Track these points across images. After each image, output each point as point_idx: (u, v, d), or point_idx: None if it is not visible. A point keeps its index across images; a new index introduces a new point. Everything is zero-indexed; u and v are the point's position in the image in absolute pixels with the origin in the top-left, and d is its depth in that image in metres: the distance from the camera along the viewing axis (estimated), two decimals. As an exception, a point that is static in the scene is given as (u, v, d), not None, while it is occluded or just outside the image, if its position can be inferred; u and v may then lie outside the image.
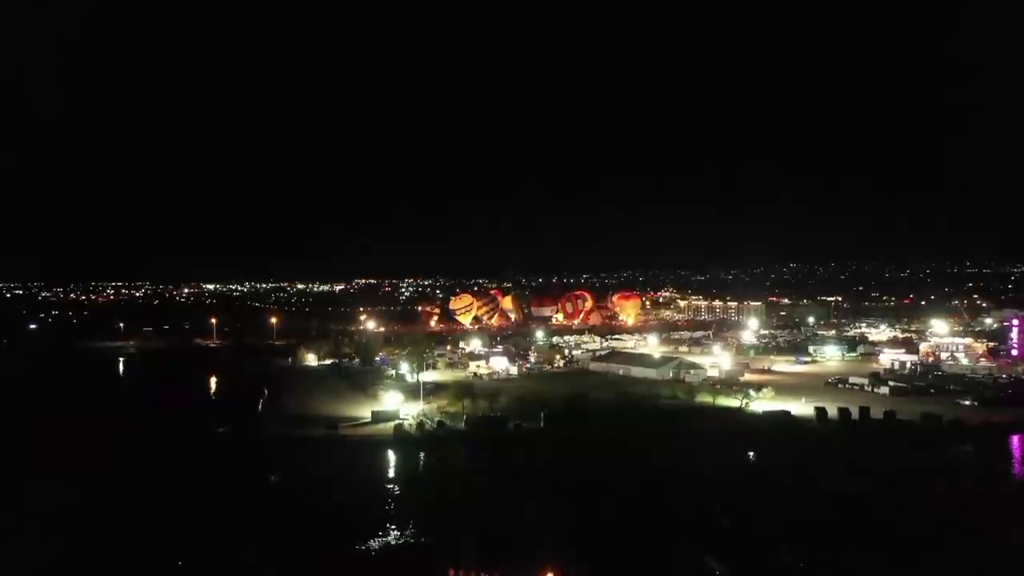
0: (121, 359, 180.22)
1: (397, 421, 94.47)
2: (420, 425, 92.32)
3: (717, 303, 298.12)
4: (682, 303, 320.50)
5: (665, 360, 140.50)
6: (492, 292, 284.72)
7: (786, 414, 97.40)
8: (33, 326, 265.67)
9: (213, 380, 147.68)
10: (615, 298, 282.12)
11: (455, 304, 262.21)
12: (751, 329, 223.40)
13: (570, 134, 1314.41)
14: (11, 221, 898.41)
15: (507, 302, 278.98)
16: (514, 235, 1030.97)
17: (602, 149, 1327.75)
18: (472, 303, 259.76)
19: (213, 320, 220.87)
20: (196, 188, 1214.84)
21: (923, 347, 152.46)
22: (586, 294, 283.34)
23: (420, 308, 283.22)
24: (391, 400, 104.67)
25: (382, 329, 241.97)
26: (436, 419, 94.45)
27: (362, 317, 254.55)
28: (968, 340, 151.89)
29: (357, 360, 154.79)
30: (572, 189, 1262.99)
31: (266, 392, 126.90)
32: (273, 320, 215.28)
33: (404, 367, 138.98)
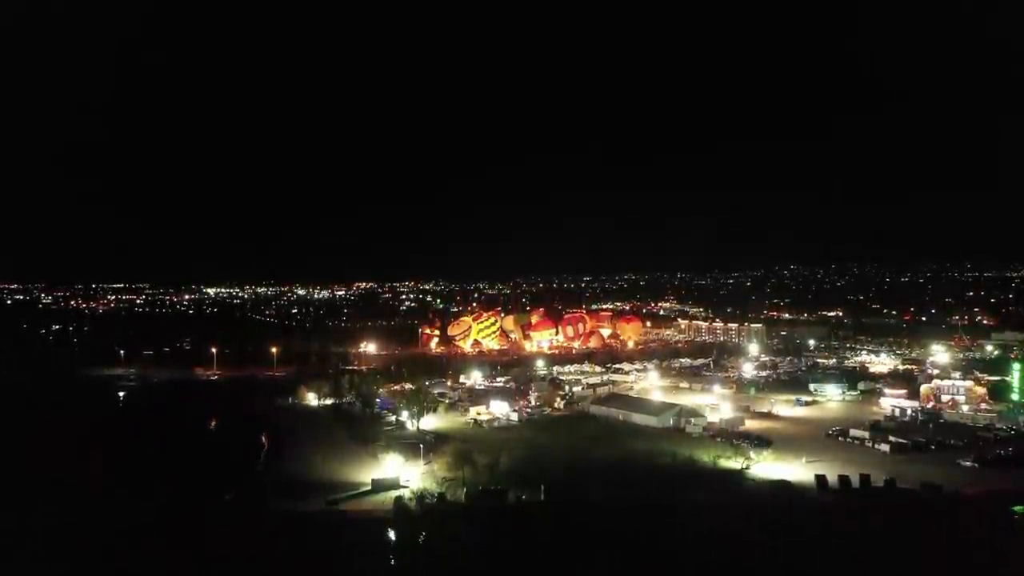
0: (121, 394, 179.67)
1: (397, 493, 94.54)
2: (420, 499, 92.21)
3: (718, 324, 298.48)
4: (683, 322, 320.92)
5: (665, 407, 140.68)
6: (491, 314, 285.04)
7: (786, 485, 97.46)
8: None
9: (214, 424, 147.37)
10: (617, 321, 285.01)
11: (453, 330, 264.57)
12: (751, 356, 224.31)
13: (573, 138, 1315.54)
14: (12, 221, 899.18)
15: (508, 322, 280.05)
16: (514, 237, 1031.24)
17: (605, 151, 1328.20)
18: (470, 327, 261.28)
19: (213, 349, 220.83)
20: (197, 187, 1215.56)
21: (923, 389, 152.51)
22: (585, 316, 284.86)
23: (420, 330, 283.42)
24: (391, 464, 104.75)
25: (383, 353, 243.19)
26: (436, 492, 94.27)
27: (362, 345, 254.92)
28: (969, 383, 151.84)
29: (358, 403, 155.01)
30: (573, 191, 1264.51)
31: (265, 443, 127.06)
32: (274, 349, 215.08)
33: (404, 413, 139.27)
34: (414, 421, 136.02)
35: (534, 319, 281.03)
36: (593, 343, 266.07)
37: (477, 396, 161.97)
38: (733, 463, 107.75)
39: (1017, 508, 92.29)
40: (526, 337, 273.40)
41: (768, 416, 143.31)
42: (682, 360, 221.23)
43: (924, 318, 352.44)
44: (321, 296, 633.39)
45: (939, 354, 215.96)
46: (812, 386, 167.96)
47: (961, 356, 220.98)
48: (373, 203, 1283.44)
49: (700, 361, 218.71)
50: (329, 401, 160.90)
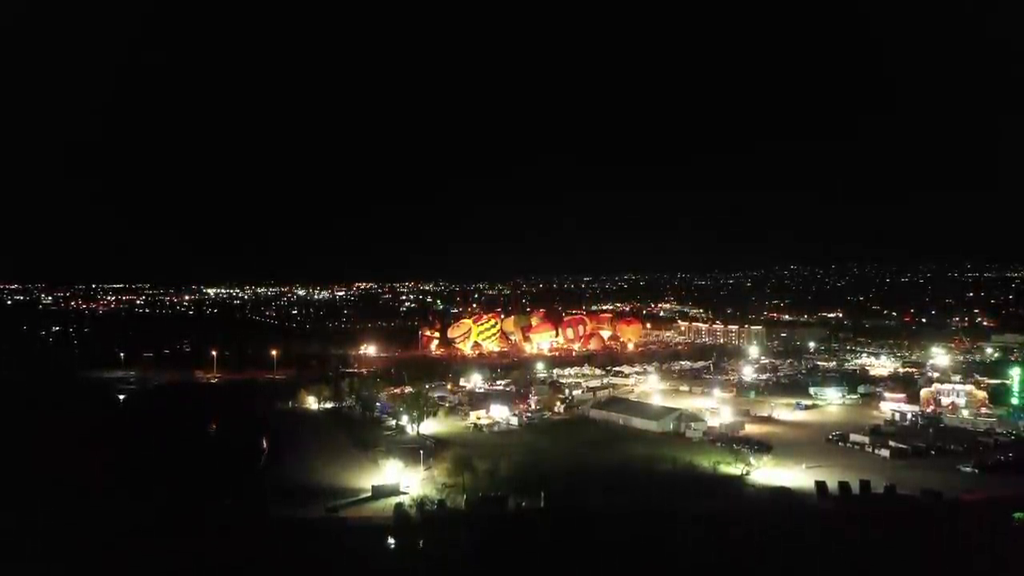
0: (121, 396, 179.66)
1: (397, 500, 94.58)
2: (420, 506, 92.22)
3: (718, 326, 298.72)
4: (683, 324, 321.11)
5: (665, 412, 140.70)
6: (491, 316, 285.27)
7: (786, 492, 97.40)
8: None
9: (214, 428, 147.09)
10: (617, 323, 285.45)
11: (453, 332, 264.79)
12: (751, 359, 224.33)
13: (574, 138, 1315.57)
14: (12, 221, 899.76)
15: (508, 324, 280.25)
16: (514, 237, 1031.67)
17: (606, 151, 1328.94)
18: (470, 329, 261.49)
19: (214, 352, 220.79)
20: (197, 188, 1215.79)
21: (923, 393, 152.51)
22: (586, 318, 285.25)
23: (420, 332, 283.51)
24: (391, 470, 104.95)
25: (383, 355, 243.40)
26: (437, 499, 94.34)
27: (362, 347, 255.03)
28: (969, 387, 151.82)
29: (358, 407, 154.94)
30: (573, 191, 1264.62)
31: (265, 448, 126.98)
32: (274, 352, 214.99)
33: (405, 417, 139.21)
34: (414, 425, 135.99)
35: (534, 321, 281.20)
36: (593, 345, 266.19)
37: (477, 400, 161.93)
38: (733, 469, 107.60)
39: (1017, 515, 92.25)
40: (526, 339, 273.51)
41: (768, 420, 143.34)
42: (682, 363, 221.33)
43: (924, 319, 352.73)
44: (321, 297, 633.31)
45: (939, 357, 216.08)
46: (812, 389, 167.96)
47: (961, 359, 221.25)
48: (373, 203, 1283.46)
49: (700, 364, 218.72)
50: (329, 405, 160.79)
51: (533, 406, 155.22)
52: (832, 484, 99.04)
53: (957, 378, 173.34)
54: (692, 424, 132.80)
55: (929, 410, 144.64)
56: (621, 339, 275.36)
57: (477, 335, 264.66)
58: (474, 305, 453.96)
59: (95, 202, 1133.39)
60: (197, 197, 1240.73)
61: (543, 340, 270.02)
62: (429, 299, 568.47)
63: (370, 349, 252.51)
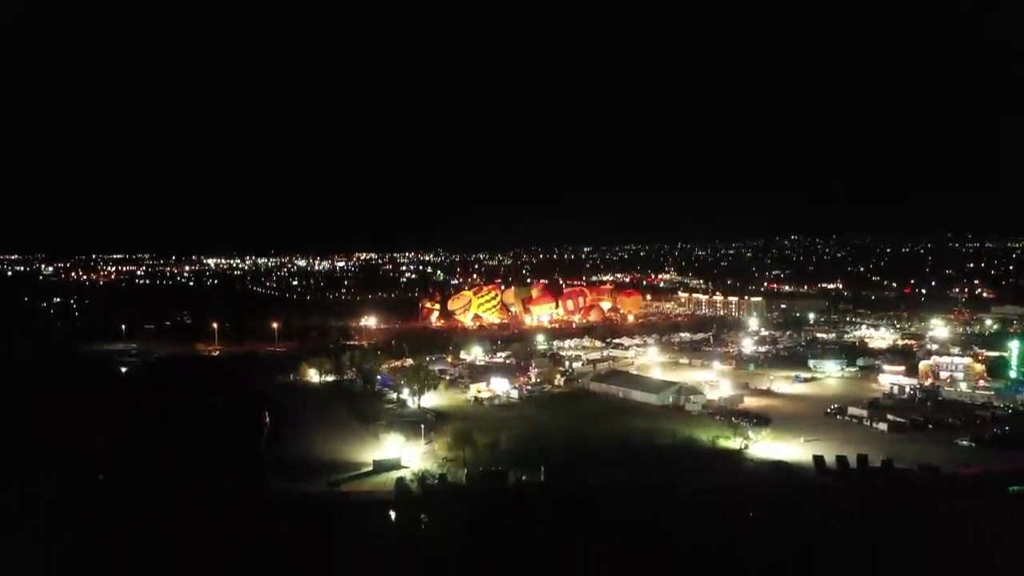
0: (123, 369, 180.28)
1: (398, 474, 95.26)
2: (422, 480, 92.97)
3: (718, 297, 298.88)
4: (683, 295, 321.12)
5: (665, 385, 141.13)
6: (491, 287, 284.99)
7: (784, 465, 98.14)
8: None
9: (215, 402, 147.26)
10: (617, 295, 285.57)
11: (453, 304, 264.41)
12: (751, 331, 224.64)
13: (575, 138, 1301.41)
14: (13, 191, 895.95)
15: (508, 296, 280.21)
16: (515, 208, 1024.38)
17: (605, 151, 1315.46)
18: (470, 301, 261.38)
19: (215, 324, 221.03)
20: (199, 158, 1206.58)
21: (922, 366, 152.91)
22: (585, 290, 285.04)
23: (421, 303, 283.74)
24: (392, 444, 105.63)
25: (383, 327, 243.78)
26: (437, 473, 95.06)
27: (362, 319, 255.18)
28: (967, 360, 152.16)
29: (359, 380, 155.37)
30: (573, 191, 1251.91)
31: (267, 422, 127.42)
32: (275, 324, 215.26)
33: (405, 391, 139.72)
34: (415, 399, 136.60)
35: (534, 293, 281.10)
36: (593, 317, 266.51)
37: (477, 373, 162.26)
38: (732, 443, 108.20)
39: (1014, 488, 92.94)
40: (526, 311, 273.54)
41: (767, 393, 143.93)
42: (682, 335, 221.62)
43: (924, 291, 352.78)
44: (321, 267, 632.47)
45: (939, 329, 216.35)
46: (811, 362, 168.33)
47: (960, 331, 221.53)
48: (373, 203, 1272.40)
49: (700, 336, 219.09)
50: (330, 378, 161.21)
51: (533, 379, 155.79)
52: (830, 458, 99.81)
53: (956, 350, 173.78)
54: (691, 397, 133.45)
55: (927, 383, 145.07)
56: (621, 311, 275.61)
57: (477, 307, 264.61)
58: (474, 276, 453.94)
59: (95, 202, 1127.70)
60: (195, 199, 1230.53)
61: (543, 312, 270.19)
62: (429, 270, 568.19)
63: (370, 321, 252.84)
